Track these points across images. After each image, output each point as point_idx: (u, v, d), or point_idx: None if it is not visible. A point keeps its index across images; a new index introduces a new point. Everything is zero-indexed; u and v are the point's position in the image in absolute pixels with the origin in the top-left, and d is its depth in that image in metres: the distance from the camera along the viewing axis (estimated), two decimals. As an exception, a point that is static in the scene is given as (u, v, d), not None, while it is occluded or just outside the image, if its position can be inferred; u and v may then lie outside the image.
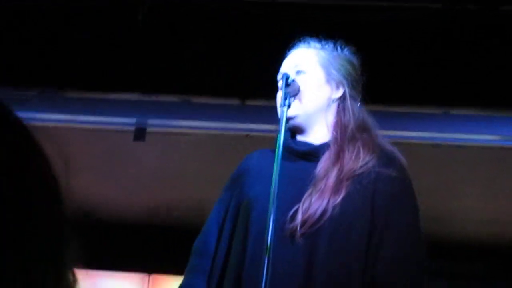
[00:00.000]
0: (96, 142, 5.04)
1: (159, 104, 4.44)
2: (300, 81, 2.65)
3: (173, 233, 5.66)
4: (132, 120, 4.69)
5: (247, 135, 4.63)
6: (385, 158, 2.58)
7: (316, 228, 2.46)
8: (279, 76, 2.71)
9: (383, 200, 2.52)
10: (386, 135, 2.77)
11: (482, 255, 5.98)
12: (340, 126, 2.63)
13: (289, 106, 2.57)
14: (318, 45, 2.74)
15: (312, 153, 2.61)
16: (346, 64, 2.72)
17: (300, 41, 2.76)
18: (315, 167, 2.56)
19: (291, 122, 2.62)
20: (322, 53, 2.72)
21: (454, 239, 5.82)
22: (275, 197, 2.40)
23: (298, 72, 2.67)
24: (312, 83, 2.66)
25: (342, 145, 2.59)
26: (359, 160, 2.55)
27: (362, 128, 2.65)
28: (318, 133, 2.65)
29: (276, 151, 2.48)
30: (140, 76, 4.29)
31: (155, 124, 4.72)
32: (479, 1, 4.11)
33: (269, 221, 2.38)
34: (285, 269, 2.44)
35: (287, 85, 2.60)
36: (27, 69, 4.27)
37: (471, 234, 5.85)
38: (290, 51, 2.76)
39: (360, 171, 2.54)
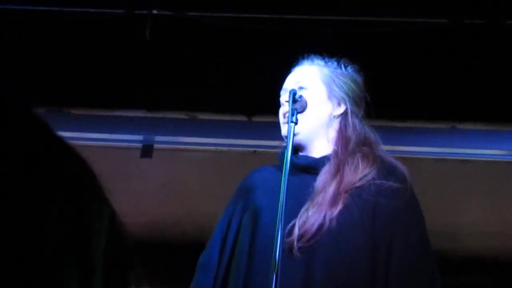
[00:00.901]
0: (103, 159, 5.03)
1: (166, 121, 4.44)
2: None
3: (180, 249, 5.65)
4: (139, 137, 4.70)
5: (254, 151, 4.64)
6: (386, 170, 2.57)
7: (314, 242, 2.46)
8: (282, 92, 2.72)
9: (386, 214, 2.50)
10: (392, 150, 2.78)
11: (488, 269, 5.97)
12: (341, 140, 2.63)
13: (296, 122, 2.57)
14: (321, 62, 2.76)
15: (312, 166, 2.61)
16: (349, 82, 2.72)
17: (304, 58, 2.78)
18: (315, 180, 2.56)
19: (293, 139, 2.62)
20: (325, 70, 2.72)
21: (460, 254, 5.81)
22: (282, 213, 2.40)
23: (300, 88, 2.67)
24: (314, 100, 2.66)
25: (343, 159, 2.58)
26: (358, 172, 2.55)
27: (363, 142, 2.65)
28: (319, 147, 2.66)
29: (284, 166, 2.48)
30: (147, 93, 4.30)
31: (162, 141, 4.72)
32: (486, 16, 4.12)
33: (277, 237, 2.38)
34: (283, 283, 2.42)
35: (295, 101, 2.61)
36: (32, 86, 4.27)
37: (477, 248, 5.84)
38: (294, 68, 2.78)
39: (359, 183, 2.53)
